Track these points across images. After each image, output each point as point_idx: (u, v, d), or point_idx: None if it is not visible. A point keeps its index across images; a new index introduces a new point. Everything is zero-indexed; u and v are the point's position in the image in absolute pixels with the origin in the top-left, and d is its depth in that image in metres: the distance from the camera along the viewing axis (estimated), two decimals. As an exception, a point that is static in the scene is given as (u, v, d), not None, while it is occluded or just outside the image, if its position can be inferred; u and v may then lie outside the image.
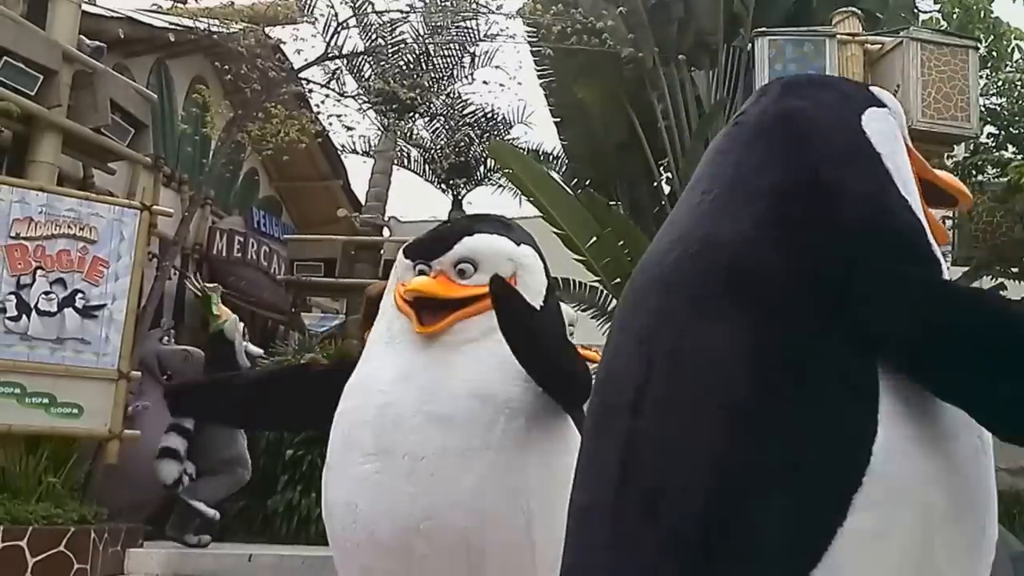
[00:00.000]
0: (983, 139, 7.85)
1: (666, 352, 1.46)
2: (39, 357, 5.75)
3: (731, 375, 1.40)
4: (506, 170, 9.65)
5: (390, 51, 11.48)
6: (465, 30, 11.73)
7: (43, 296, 5.84)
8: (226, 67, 8.78)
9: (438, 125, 16.21)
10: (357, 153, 15.55)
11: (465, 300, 2.67)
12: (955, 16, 8.35)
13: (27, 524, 5.26)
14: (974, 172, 8.00)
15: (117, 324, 6.02)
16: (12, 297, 5.74)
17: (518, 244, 2.82)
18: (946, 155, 7.37)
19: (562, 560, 1.57)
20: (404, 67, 11.74)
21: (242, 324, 7.16)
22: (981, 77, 7.59)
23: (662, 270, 1.57)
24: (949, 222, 8.73)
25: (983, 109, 7.53)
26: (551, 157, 12.91)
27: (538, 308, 2.72)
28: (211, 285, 7.45)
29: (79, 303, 5.93)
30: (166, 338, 7.12)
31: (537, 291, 2.76)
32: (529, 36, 10.03)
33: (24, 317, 5.75)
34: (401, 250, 2.90)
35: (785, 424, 1.38)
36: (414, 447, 2.50)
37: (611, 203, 8.86)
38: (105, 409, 5.88)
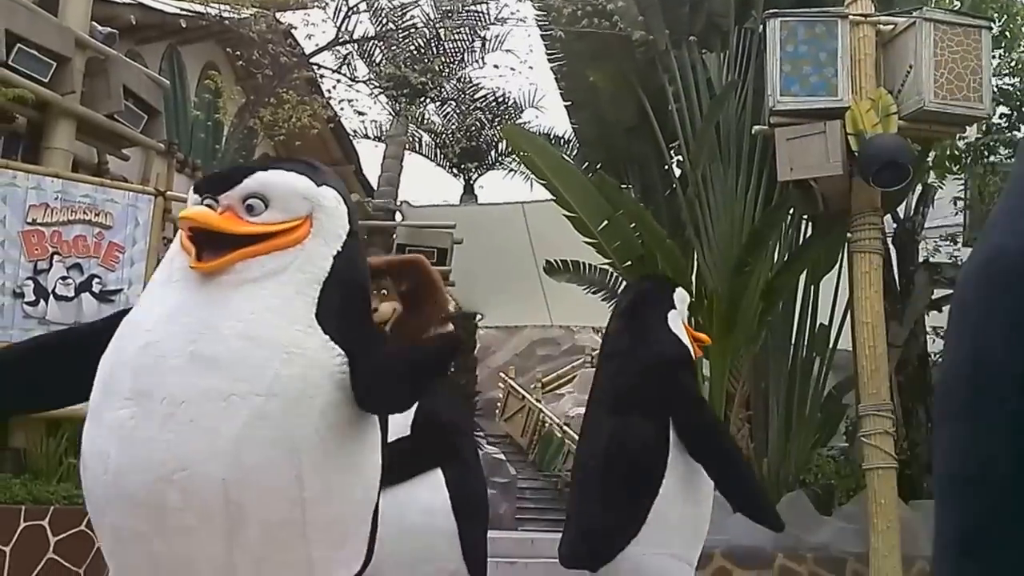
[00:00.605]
0: (995, 119, 7.80)
1: None
2: (57, 341, 5.83)
3: None
4: (519, 153, 9.64)
5: (401, 35, 11.49)
6: (475, 14, 11.74)
7: (60, 281, 5.92)
8: (238, 53, 8.82)
9: (449, 110, 16.23)
10: (369, 138, 15.62)
11: (251, 237, 2.42)
12: (968, -4, 8.30)
13: (48, 504, 5.36)
14: (986, 152, 7.96)
15: (133, 309, 6.10)
16: (30, 282, 5.82)
17: (319, 185, 2.59)
18: (958, 136, 7.33)
19: (949, 529, 1.66)
20: (415, 51, 11.75)
21: None
22: (994, 57, 7.53)
23: None
24: (960, 203, 8.71)
25: (995, 89, 7.46)
26: (562, 141, 12.89)
27: (336, 252, 2.54)
28: None
29: (96, 288, 6.02)
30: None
31: (335, 235, 2.57)
32: (539, 19, 9.99)
33: (42, 302, 5.83)
34: (192, 186, 2.64)
35: None
36: (174, 390, 2.26)
37: (622, 186, 8.85)
38: (123, 392, 5.96)
